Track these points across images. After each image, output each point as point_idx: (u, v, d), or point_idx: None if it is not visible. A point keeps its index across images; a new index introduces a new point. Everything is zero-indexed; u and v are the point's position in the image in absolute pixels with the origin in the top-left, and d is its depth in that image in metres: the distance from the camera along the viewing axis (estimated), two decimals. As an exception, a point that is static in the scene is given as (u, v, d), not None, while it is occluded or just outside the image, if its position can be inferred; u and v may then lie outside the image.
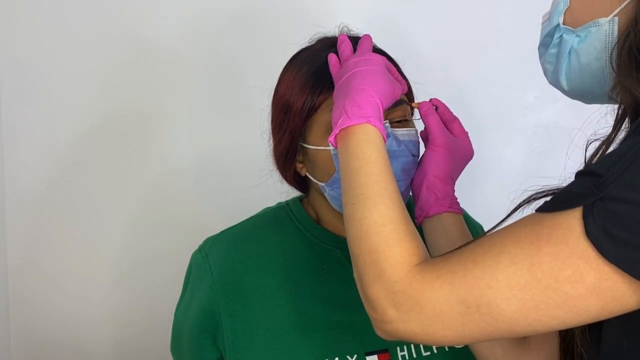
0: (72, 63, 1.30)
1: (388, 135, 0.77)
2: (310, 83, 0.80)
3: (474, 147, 0.84)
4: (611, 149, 0.58)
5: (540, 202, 0.55)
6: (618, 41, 0.58)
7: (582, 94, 0.65)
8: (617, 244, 0.48)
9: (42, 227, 1.32)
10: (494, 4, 1.36)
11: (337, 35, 0.86)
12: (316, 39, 0.88)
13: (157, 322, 1.23)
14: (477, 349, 0.74)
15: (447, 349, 0.83)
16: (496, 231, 0.56)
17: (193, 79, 1.33)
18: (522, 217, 0.56)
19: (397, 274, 0.58)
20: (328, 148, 0.78)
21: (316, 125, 0.80)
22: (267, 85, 0.88)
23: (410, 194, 0.84)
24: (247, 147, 1.21)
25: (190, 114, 1.34)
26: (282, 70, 0.87)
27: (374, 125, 0.68)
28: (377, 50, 0.84)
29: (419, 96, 0.88)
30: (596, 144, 0.60)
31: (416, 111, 0.85)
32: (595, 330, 0.58)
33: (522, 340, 0.72)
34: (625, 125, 0.60)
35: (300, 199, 0.94)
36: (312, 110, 0.80)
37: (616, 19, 0.58)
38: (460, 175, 0.84)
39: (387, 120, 0.79)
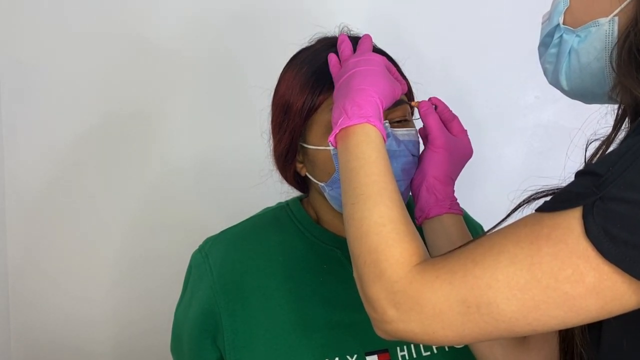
0: (72, 63, 1.30)
1: (388, 135, 0.77)
2: (310, 83, 0.80)
3: (474, 148, 0.84)
4: (611, 148, 0.58)
5: (540, 202, 0.55)
6: (618, 41, 0.58)
7: (582, 94, 0.65)
8: (617, 243, 0.48)
9: (42, 227, 1.32)
10: (494, 4, 1.36)
11: (337, 35, 0.86)
12: (316, 39, 0.88)
13: (157, 322, 1.23)
14: (477, 348, 0.74)
15: (447, 349, 0.83)
16: (496, 231, 0.56)
17: (193, 79, 1.33)
18: (522, 217, 0.56)
19: (397, 273, 0.58)
20: (328, 148, 0.78)
21: (316, 125, 0.80)
22: (267, 85, 0.88)
23: (410, 194, 0.84)
24: (247, 147, 1.21)
25: (190, 114, 1.34)
26: (282, 70, 0.87)
27: (374, 125, 0.68)
28: (377, 50, 0.84)
29: (419, 96, 0.88)
30: (596, 144, 0.60)
31: (416, 110, 0.85)
32: (595, 330, 0.58)
33: (522, 340, 0.72)
34: (625, 125, 0.60)
35: (300, 199, 0.94)
36: (312, 110, 0.80)
37: (616, 19, 0.58)
38: (461, 175, 0.84)
39: (387, 120, 0.79)
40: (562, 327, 0.53)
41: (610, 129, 0.60)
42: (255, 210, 0.95)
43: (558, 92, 0.68)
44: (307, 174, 0.85)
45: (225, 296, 0.82)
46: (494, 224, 0.62)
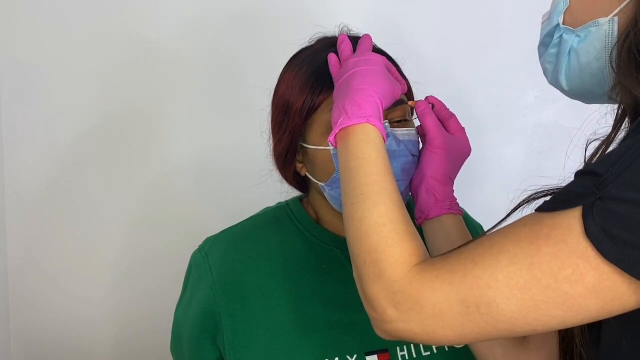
0: (72, 63, 1.30)
1: (388, 135, 0.77)
2: (310, 83, 0.80)
3: (473, 148, 0.84)
4: (611, 148, 0.58)
5: (540, 202, 0.55)
6: (618, 41, 0.58)
7: (582, 94, 0.65)
8: (617, 243, 0.48)
9: (42, 227, 1.32)
10: (494, 4, 1.37)
11: (337, 35, 0.86)
12: (316, 39, 0.88)
13: (157, 322, 1.23)
14: (477, 348, 0.74)
15: (447, 349, 0.83)
16: (496, 231, 0.56)
17: (193, 79, 1.33)
18: (522, 217, 0.56)
19: (397, 273, 0.58)
20: (328, 148, 0.78)
21: (316, 125, 0.80)
22: (267, 85, 0.88)
23: (410, 194, 0.84)
24: (247, 147, 1.21)
25: (190, 114, 1.34)
26: (282, 70, 0.87)
27: (374, 125, 0.68)
28: (377, 50, 0.84)
29: (419, 96, 0.88)
30: (596, 144, 0.60)
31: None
32: (595, 330, 0.57)
33: (522, 340, 0.72)
34: (625, 125, 0.60)
35: (300, 199, 0.94)
36: (312, 110, 0.80)
37: (616, 19, 0.58)
38: (460, 176, 0.84)
39: (387, 120, 0.79)
40: (562, 327, 0.53)
41: (610, 129, 0.60)
42: (255, 210, 0.95)
43: (558, 92, 0.68)
44: (307, 174, 0.85)
45: (225, 296, 0.82)
46: (494, 224, 0.62)
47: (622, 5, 0.58)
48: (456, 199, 0.81)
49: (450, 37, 1.36)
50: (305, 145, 0.82)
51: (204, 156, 1.35)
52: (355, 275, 0.63)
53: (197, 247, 0.90)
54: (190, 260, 0.89)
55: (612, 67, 0.58)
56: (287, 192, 0.93)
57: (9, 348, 1.33)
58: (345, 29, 0.87)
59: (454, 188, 0.82)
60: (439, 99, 0.85)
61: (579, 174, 0.54)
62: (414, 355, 0.81)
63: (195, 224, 1.26)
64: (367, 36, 0.82)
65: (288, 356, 0.79)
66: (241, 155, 1.33)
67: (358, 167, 0.66)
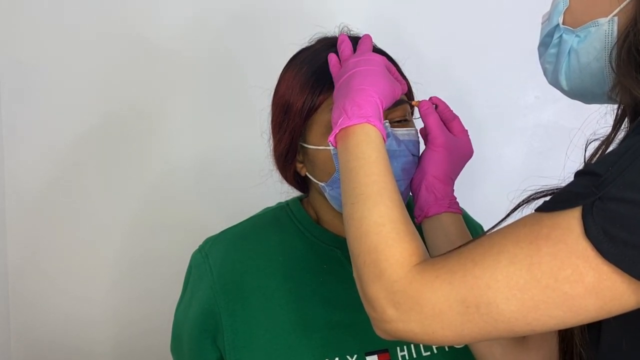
0: (72, 63, 1.30)
1: (388, 135, 0.77)
2: (310, 83, 0.80)
3: (474, 147, 0.84)
4: (611, 148, 0.58)
5: (540, 202, 0.55)
6: (617, 41, 0.58)
7: (582, 93, 0.65)
8: (617, 243, 0.48)
9: (42, 227, 1.32)
10: (494, 4, 1.37)
11: (337, 35, 0.86)
12: (316, 39, 0.88)
13: (157, 322, 1.23)
14: (476, 348, 0.74)
15: (447, 349, 0.83)
16: (496, 231, 0.56)
17: (193, 79, 1.33)
18: (521, 216, 0.56)
19: (396, 273, 0.58)
20: (328, 148, 0.78)
21: (316, 125, 0.80)
22: (267, 85, 0.88)
23: (410, 193, 0.84)
24: (247, 147, 1.21)
25: (190, 114, 1.34)
26: (282, 70, 0.87)
27: (374, 125, 0.68)
28: (377, 50, 0.84)
29: (419, 96, 0.88)
30: (596, 144, 0.60)
31: (416, 110, 0.85)
32: (595, 330, 0.58)
33: (521, 340, 0.72)
34: (625, 125, 0.60)
35: (300, 199, 0.94)
36: (312, 110, 0.80)
37: (616, 19, 0.58)
38: (461, 175, 0.84)
39: (387, 120, 0.79)
40: (562, 327, 0.53)
41: (609, 129, 0.60)
42: (255, 210, 0.95)
43: (558, 92, 0.68)
44: (307, 174, 0.85)
45: (225, 296, 0.82)
46: (494, 224, 0.62)
47: (622, 5, 0.58)
48: (456, 198, 0.81)
49: (450, 37, 1.36)
50: (305, 145, 0.82)
51: (204, 156, 1.35)
52: (355, 275, 0.63)
53: (197, 247, 0.90)
54: (190, 260, 0.89)
55: (612, 67, 0.58)
56: (287, 192, 0.93)
57: (9, 348, 1.33)
58: (345, 29, 0.87)
59: (454, 188, 0.82)
60: (441, 99, 0.85)
61: (578, 174, 0.54)
62: (414, 355, 0.81)
63: (195, 224, 1.26)
64: (367, 36, 0.82)
65: (288, 356, 0.79)
66: (241, 155, 1.33)
67: (358, 167, 0.66)
